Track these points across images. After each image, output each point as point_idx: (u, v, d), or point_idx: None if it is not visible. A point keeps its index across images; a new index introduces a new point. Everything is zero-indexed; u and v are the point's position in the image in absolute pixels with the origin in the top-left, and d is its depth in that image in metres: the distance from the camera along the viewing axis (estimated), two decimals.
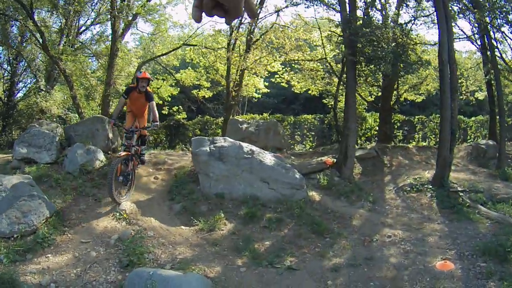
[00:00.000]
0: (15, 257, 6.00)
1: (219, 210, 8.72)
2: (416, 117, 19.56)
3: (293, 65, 19.02)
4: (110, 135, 11.46)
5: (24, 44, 20.40)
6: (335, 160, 12.28)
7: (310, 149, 16.52)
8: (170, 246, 7.24)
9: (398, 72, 12.46)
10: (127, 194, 8.62)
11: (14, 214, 6.61)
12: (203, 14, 1.35)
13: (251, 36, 18.25)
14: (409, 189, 10.83)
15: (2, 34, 18.17)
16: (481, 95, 19.99)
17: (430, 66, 14.09)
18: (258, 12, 17.42)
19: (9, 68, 21.72)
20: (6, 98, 21.12)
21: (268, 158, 9.97)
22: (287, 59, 18.04)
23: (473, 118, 20.61)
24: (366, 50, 11.43)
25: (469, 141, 18.38)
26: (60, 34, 19.35)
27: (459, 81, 17.80)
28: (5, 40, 18.52)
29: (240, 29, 18.66)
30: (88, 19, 20.82)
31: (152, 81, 10.66)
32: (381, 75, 13.62)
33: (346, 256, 7.15)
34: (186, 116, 21.74)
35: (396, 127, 18.46)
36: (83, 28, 20.99)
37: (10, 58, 21.19)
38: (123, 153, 8.34)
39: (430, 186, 10.63)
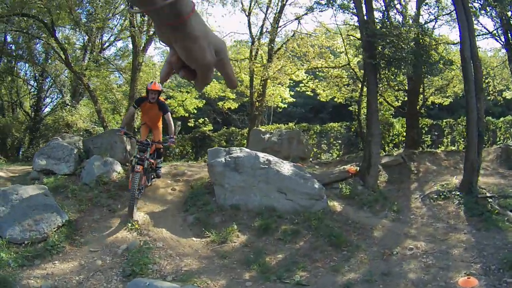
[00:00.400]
0: (23, 262, 6.06)
1: (233, 221, 8.31)
2: (444, 120, 18.53)
3: (317, 73, 18.51)
4: (128, 147, 11.29)
5: (49, 61, 20.96)
6: (358, 168, 11.70)
7: (337, 158, 15.87)
8: (177, 257, 7.00)
9: (421, 73, 11.83)
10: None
11: (27, 222, 6.75)
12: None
13: (272, 45, 18.02)
14: (435, 196, 10.11)
15: (27, 52, 18.84)
16: (509, 94, 18.82)
17: (454, 65, 13.26)
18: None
19: (35, 84, 22.68)
20: (33, 113, 22.02)
21: (286, 168, 9.51)
22: (310, 67, 17.55)
23: (502, 119, 19.31)
24: (386, 52, 10.81)
25: (498, 143, 17.11)
26: (84, 51, 19.85)
27: (486, 80, 16.85)
28: (30, 57, 19.23)
29: (262, 40, 18.46)
30: (112, 35, 21.31)
31: (163, 92, 10.60)
32: (405, 78, 12.98)
33: (362, 271, 6.61)
34: (212, 127, 21.61)
35: (424, 131, 17.63)
36: (107, 44, 21.51)
37: (36, 75, 22.09)
38: (139, 168, 7.89)
39: (458, 193, 9.86)
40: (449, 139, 17.86)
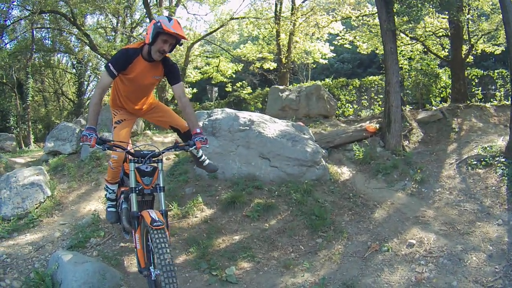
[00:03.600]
0: (4, 234, 5.95)
1: (203, 192, 6.51)
2: (496, 71, 15.01)
3: (352, 23, 15.88)
4: None
5: (77, 49, 21.86)
6: (378, 126, 9.32)
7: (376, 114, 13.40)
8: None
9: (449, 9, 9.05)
10: None
11: (16, 200, 6.83)
12: None
13: None
14: (475, 162, 7.36)
15: (63, 44, 19.77)
16: None
17: None
18: None
19: (75, 71, 23.90)
20: (76, 99, 23.23)
21: (272, 128, 7.37)
22: (341, 18, 15.32)
23: None
24: None
25: None
26: (114, 32, 19.90)
27: None
28: (67, 49, 20.26)
29: None
30: (141, 14, 20.79)
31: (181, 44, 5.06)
32: (423, 14, 9.98)
33: (323, 273, 4.50)
34: (251, 90, 19.89)
35: (473, 84, 14.43)
36: (138, 21, 21.10)
37: (74, 63, 23.17)
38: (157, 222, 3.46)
39: (503, 160, 7.03)
40: (502, 93, 14.55)
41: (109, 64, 3.93)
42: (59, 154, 9.43)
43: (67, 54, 22.68)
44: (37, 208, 6.74)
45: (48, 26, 17.87)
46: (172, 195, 6.63)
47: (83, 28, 15.93)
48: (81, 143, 3.83)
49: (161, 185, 3.82)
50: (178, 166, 7.72)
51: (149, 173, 3.82)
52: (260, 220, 5.79)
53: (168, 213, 5.89)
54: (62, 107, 23.36)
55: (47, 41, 21.30)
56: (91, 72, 23.62)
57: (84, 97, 23.52)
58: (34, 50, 19.92)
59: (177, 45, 4.15)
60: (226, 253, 4.93)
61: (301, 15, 16.01)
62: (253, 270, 4.59)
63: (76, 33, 17.07)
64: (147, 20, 18.30)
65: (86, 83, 24.39)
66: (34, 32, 19.40)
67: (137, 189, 3.79)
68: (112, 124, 4.55)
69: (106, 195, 4.90)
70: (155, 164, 3.88)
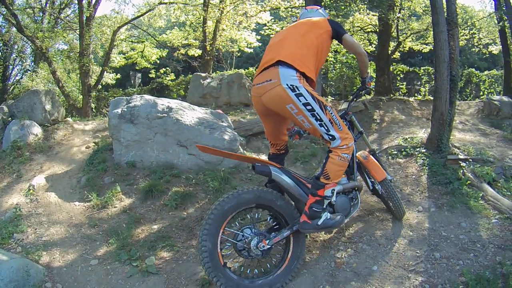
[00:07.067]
0: None
1: (123, 181, 6.49)
2: (422, 68, 16.14)
3: (281, 14, 16.31)
4: (48, 107, 9.63)
5: (4, 30, 20.33)
6: None
7: None
8: (47, 225, 5.60)
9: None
10: None
11: None
12: None
13: None
14: (395, 152, 7.64)
15: None
16: (495, 49, 16.46)
17: None
18: None
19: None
20: (0, 84, 21.32)
21: (190, 115, 7.40)
22: (273, 7, 15.69)
23: (486, 72, 17.05)
24: None
25: (482, 97, 14.92)
26: (42, 13, 18.51)
27: (471, 32, 14.92)
28: None
29: None
30: None
31: None
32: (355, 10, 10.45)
33: (241, 258, 4.45)
34: (174, 77, 19.87)
35: (398, 78, 15.42)
36: (67, 3, 19.67)
37: (0, 45, 21.36)
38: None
39: (424, 150, 7.38)
40: (426, 88, 15.53)
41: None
42: None
43: None
44: None
45: None
46: (91, 184, 6.60)
47: (11, 8, 15.05)
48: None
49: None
50: (97, 155, 7.57)
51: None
52: (179, 209, 5.83)
53: (88, 203, 6.07)
54: None
55: None
56: (16, 56, 22.21)
57: (8, 82, 22.19)
58: None
59: None
60: (145, 243, 4.93)
61: (230, 3, 16.21)
62: (173, 259, 4.61)
63: (4, 12, 15.87)
64: (75, 1, 17.49)
65: (11, 67, 22.87)
66: None
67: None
68: (325, 108, 3.47)
69: (323, 207, 3.72)
70: None
